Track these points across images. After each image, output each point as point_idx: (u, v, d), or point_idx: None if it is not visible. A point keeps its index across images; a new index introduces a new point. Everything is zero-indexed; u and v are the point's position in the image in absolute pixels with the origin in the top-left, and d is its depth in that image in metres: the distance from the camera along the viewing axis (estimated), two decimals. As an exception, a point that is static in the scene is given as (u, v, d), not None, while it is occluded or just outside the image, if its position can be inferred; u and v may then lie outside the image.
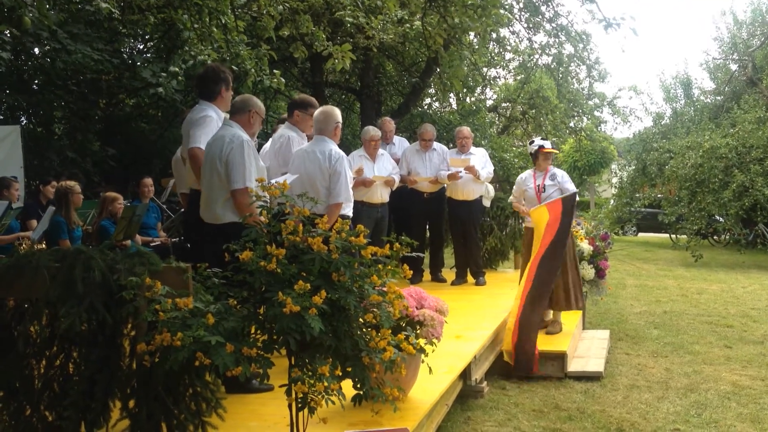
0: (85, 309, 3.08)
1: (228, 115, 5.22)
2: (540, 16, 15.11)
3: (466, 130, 9.16)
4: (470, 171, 8.66)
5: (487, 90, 20.32)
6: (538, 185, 7.31)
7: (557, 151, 7.50)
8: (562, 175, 7.43)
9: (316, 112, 5.86)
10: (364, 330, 3.40)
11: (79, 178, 8.92)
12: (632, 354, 7.39)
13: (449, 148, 9.41)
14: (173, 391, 3.14)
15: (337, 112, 5.83)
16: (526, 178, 7.50)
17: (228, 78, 5.24)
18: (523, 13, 15.57)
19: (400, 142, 9.44)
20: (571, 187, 7.29)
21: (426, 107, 18.26)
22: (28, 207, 8.41)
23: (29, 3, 6.08)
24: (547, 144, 7.49)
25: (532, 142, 7.62)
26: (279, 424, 3.77)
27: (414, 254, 3.66)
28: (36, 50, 12.00)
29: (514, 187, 7.77)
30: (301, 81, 16.21)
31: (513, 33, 17.14)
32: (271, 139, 6.47)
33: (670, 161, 19.42)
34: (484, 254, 10.15)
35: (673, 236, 21.18)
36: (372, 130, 8.33)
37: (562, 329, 7.13)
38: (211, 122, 5.07)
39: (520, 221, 10.50)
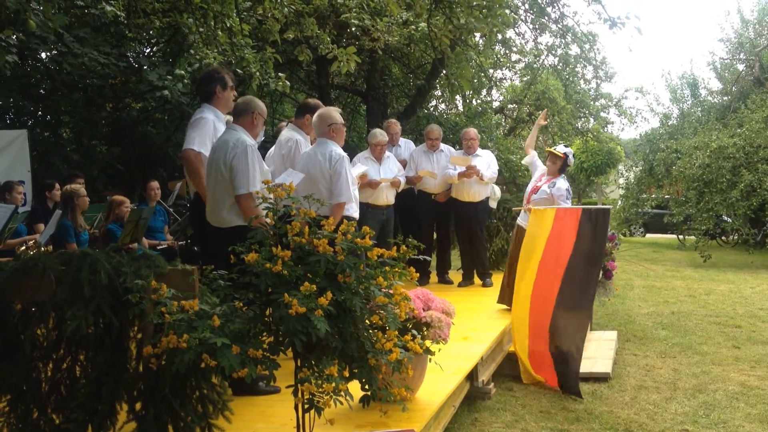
0: (92, 312, 3.09)
1: (229, 117, 5.23)
2: (546, 17, 15.08)
3: (472, 131, 9.15)
4: (472, 170, 8.64)
5: (494, 91, 20.28)
6: (537, 186, 7.25)
7: (553, 150, 7.38)
8: (558, 188, 7.21)
9: (314, 115, 5.86)
10: (370, 331, 3.40)
11: (79, 176, 8.93)
12: (640, 355, 7.37)
13: (456, 150, 9.42)
14: (180, 394, 3.14)
15: (332, 113, 5.76)
16: (538, 175, 7.46)
17: (222, 77, 5.23)
18: (528, 14, 15.55)
19: (406, 144, 9.44)
20: (564, 204, 7.07)
21: (432, 109, 18.23)
22: (35, 211, 8.44)
23: (34, 7, 6.11)
24: (559, 148, 7.41)
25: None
26: (286, 425, 3.77)
27: (421, 257, 3.65)
28: (43, 54, 12.04)
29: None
30: (307, 84, 16.22)
31: (519, 34, 17.14)
32: (277, 142, 6.43)
33: (677, 161, 19.35)
34: (491, 256, 10.13)
35: (681, 237, 21.12)
36: (379, 135, 8.32)
37: None
38: (206, 124, 5.08)
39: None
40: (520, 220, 7.26)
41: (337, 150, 5.62)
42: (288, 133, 6.16)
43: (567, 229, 6.18)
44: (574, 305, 6.04)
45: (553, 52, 17.15)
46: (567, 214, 6.29)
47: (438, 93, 17.47)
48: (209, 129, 5.06)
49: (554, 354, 6.03)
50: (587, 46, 16.92)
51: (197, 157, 5.01)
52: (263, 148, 6.37)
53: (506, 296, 7.16)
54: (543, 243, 6.28)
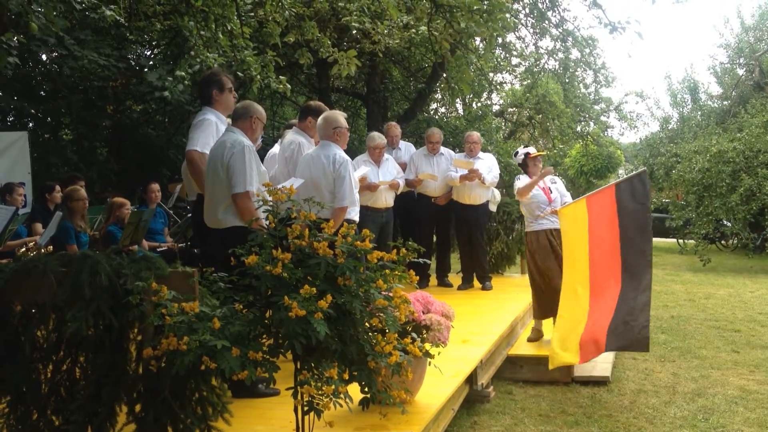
0: (92, 313, 3.09)
1: (230, 120, 5.25)
2: (546, 21, 15.10)
3: (475, 135, 9.18)
4: (474, 174, 8.66)
5: (494, 95, 20.29)
6: (543, 188, 7.25)
7: (544, 152, 7.40)
8: (559, 181, 7.30)
9: (319, 118, 5.87)
10: (370, 334, 3.41)
11: (80, 178, 8.93)
12: (639, 359, 7.36)
13: (456, 153, 9.43)
14: (179, 396, 3.14)
15: (338, 117, 5.79)
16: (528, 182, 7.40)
17: (219, 80, 5.25)
18: (529, 18, 15.57)
19: (406, 147, 9.45)
20: (569, 197, 7.17)
21: (432, 112, 18.24)
22: (35, 212, 8.45)
23: (35, 10, 6.12)
24: (532, 150, 7.31)
25: (517, 153, 7.45)
26: (285, 428, 3.78)
27: (420, 260, 3.65)
28: (44, 56, 12.05)
29: (520, 186, 7.46)
30: (307, 87, 16.21)
31: (519, 38, 17.15)
32: (280, 144, 6.45)
33: (677, 166, 19.39)
34: (491, 259, 10.15)
35: (681, 241, 21.12)
36: (377, 137, 8.34)
37: (543, 336, 7.03)
38: (209, 125, 5.10)
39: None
40: (542, 225, 7.07)
41: (340, 153, 5.63)
42: (291, 136, 6.19)
43: (606, 211, 5.97)
44: (638, 270, 5.81)
45: (555, 55, 17.19)
46: (599, 197, 6.11)
47: (438, 96, 17.47)
48: (212, 130, 5.08)
49: (618, 316, 5.72)
50: (587, 51, 16.95)
51: (201, 157, 5.03)
52: (263, 150, 6.40)
53: (546, 309, 6.86)
54: (585, 235, 6.03)
